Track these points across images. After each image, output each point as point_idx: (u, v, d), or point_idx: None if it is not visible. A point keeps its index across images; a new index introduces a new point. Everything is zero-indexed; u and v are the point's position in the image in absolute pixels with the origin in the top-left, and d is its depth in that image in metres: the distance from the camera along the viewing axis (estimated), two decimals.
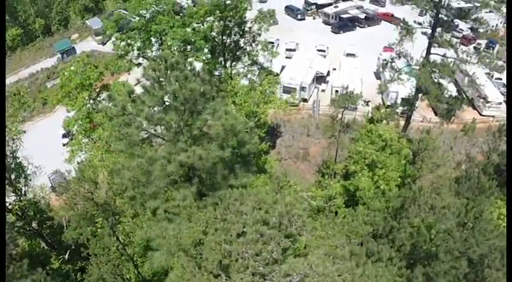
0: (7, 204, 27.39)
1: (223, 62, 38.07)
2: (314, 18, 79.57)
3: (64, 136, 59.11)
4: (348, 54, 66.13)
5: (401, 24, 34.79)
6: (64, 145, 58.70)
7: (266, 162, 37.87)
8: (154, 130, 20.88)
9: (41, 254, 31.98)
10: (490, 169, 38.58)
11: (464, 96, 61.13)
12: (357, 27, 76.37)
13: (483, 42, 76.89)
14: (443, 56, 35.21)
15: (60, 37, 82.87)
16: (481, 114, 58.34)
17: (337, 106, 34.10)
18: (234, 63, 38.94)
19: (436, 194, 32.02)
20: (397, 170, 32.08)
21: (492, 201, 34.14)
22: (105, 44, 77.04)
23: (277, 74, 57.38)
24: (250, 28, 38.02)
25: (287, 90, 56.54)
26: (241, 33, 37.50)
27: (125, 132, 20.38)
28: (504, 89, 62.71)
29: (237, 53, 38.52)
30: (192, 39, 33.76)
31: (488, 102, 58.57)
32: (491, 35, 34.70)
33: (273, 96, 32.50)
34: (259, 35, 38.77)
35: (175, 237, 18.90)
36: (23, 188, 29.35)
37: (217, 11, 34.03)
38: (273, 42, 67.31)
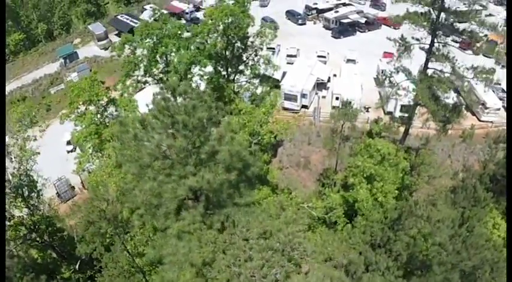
0: (21, 218, 29.05)
1: (226, 76, 39.58)
2: (315, 23, 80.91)
3: (68, 143, 60.55)
4: (349, 60, 67.49)
5: (400, 40, 36.31)
6: (68, 152, 60.37)
7: (268, 173, 39.36)
8: (164, 153, 22.45)
9: (51, 263, 33.68)
10: (486, 179, 40.18)
11: (463, 101, 62.89)
12: (357, 32, 77.69)
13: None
14: (441, 71, 36.62)
15: (63, 42, 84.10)
16: (479, 120, 59.98)
17: (337, 120, 35.70)
18: (237, 77, 40.48)
19: (432, 205, 33.74)
20: (394, 182, 33.75)
21: (487, 212, 35.77)
22: (107, 49, 78.63)
23: (279, 81, 59.02)
24: (252, 42, 39.54)
25: (288, 97, 58.30)
26: (243, 47, 39.01)
27: (136, 156, 22.07)
28: (503, 94, 64.21)
29: (240, 66, 40.02)
30: (197, 59, 35.46)
31: (486, 108, 60.16)
32: (489, 49, 35.65)
33: (276, 119, 34.08)
34: (261, 49, 40.28)
35: (186, 255, 20.56)
36: (36, 203, 31.03)
37: (221, 29, 35.59)
38: (273, 48, 68.75)
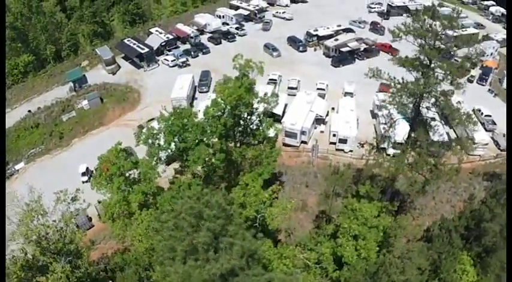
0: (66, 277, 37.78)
1: (233, 138, 47.96)
2: (315, 49, 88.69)
3: (83, 174, 68.79)
4: (346, 93, 75.67)
5: (385, 116, 44.65)
6: (83, 182, 68.71)
7: (272, 220, 47.94)
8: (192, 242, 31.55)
9: None
10: (461, 229, 49.17)
11: (455, 134, 71.37)
12: (356, 60, 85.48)
13: (476, 73, 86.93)
14: (425, 140, 44.39)
15: (71, 64, 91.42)
16: (468, 154, 68.59)
17: (330, 184, 44.43)
18: (242, 138, 48.76)
19: (408, 258, 42.95)
20: (376, 240, 42.91)
21: (456, 263, 44.95)
22: (115, 73, 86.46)
23: (280, 117, 67.53)
24: (256, 109, 47.64)
25: (289, 134, 66.93)
26: (248, 112, 47.08)
27: (170, 244, 31.30)
28: (493, 126, 73.00)
29: (246, 129, 48.17)
30: (211, 144, 43.89)
31: (475, 143, 68.53)
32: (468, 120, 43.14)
33: (278, 201, 42.82)
34: (265, 114, 48.48)
35: None
36: (79, 263, 39.99)
37: (230, 109, 43.74)
38: (275, 79, 77.19)
